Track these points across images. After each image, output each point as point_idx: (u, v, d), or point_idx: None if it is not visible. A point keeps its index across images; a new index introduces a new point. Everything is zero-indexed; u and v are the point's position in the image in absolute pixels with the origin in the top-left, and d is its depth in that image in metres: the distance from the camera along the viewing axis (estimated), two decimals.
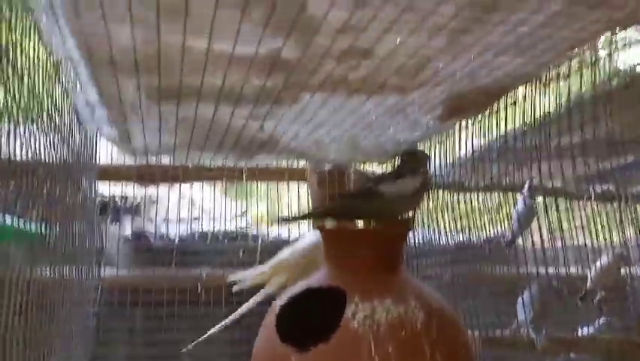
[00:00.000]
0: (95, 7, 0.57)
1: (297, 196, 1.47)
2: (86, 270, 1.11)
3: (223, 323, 1.09)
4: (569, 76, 0.87)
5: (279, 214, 1.48)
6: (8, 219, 0.61)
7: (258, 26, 0.62)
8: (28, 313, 0.63)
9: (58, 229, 0.82)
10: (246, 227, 1.47)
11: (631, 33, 0.77)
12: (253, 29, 0.63)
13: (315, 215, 1.14)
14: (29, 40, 0.65)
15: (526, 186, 1.13)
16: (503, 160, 1.08)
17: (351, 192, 0.98)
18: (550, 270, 1.07)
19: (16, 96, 0.60)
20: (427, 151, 1.28)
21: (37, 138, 0.67)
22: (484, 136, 1.11)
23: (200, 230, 1.41)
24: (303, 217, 1.04)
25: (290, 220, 1.34)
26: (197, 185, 1.45)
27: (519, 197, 1.18)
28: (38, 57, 0.68)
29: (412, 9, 0.60)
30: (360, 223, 0.89)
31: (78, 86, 0.82)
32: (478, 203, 1.14)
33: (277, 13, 0.59)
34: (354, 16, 0.61)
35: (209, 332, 1.09)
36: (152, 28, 0.61)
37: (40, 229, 0.72)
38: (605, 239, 1.16)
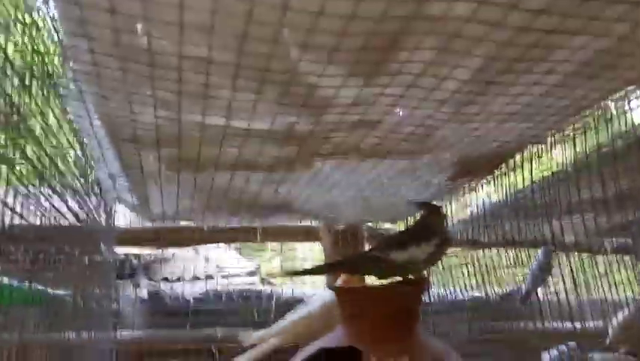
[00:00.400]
0: (120, 91, 0.62)
1: (311, 255, 1.48)
2: (102, 333, 1.12)
3: None
4: (574, 137, 0.89)
5: (292, 270, 1.49)
6: (24, 283, 0.63)
7: (273, 105, 0.66)
8: None
9: (75, 293, 0.84)
10: (262, 284, 1.48)
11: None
12: (268, 107, 0.66)
13: (325, 269, 1.16)
14: (58, 122, 0.69)
15: (541, 250, 1.15)
16: (515, 217, 1.09)
17: (359, 257, 0.99)
18: (568, 324, 1.05)
19: (46, 171, 0.63)
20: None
21: (58, 204, 0.70)
22: (496, 194, 1.13)
23: (215, 290, 1.42)
24: (313, 271, 1.05)
25: (300, 274, 1.35)
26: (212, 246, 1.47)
27: (536, 254, 1.19)
28: (65, 134, 0.72)
29: (416, 85, 0.64)
30: (373, 282, 0.90)
31: (101, 159, 0.86)
32: (492, 261, 1.14)
33: (290, 93, 0.63)
34: (363, 92, 0.65)
35: None
36: (173, 109, 0.65)
37: (57, 293, 0.74)
38: (625, 292, 1.15)
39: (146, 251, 1.37)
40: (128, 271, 1.38)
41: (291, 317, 1.12)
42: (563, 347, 1.07)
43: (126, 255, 1.40)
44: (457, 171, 1.01)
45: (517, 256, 1.19)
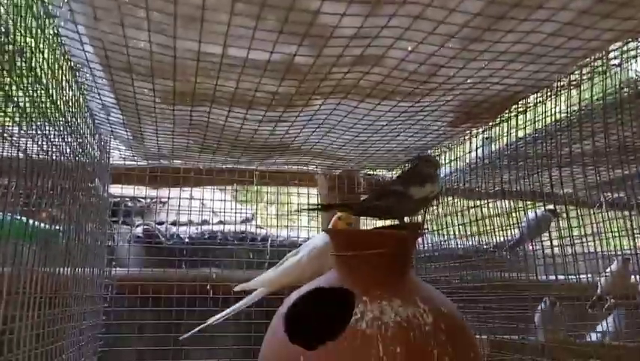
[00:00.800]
0: (113, 14, 0.59)
1: (307, 200, 1.47)
2: (98, 268, 1.12)
3: (220, 315, 1.11)
4: (580, 84, 0.87)
5: (288, 217, 1.48)
6: (21, 217, 0.63)
7: (272, 33, 0.63)
8: (42, 308, 0.65)
9: (71, 228, 0.83)
10: (256, 228, 1.48)
11: None
12: (267, 35, 0.64)
13: (335, 207, 1.16)
14: (47, 46, 0.66)
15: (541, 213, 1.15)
16: (514, 167, 1.08)
17: (380, 192, 0.99)
18: (561, 277, 1.06)
19: (34, 98, 0.61)
20: (437, 157, 1.29)
21: (52, 138, 0.68)
22: (495, 143, 1.11)
23: (211, 230, 1.43)
24: (324, 208, 1.06)
25: (311, 209, 1.37)
26: (208, 188, 1.46)
27: (534, 211, 1.19)
28: (56, 61, 0.70)
29: (423, 18, 0.61)
30: (371, 225, 0.90)
31: (94, 89, 0.84)
32: (488, 209, 1.14)
33: (291, 20, 0.60)
34: (366, 23, 0.62)
35: (206, 323, 1.10)
36: (168, 35, 0.63)
37: (53, 228, 0.74)
38: (616, 246, 1.15)
39: (140, 191, 1.36)
40: (122, 213, 1.37)
41: (283, 265, 1.13)
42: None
43: (121, 197, 1.39)
44: (459, 116, 1.00)
45: (513, 207, 1.19)
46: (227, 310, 1.10)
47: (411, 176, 0.98)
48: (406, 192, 0.91)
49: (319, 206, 1.09)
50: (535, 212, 1.25)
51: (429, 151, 1.26)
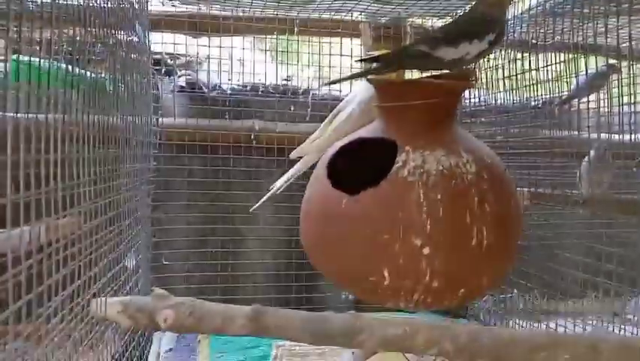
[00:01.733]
0: None
1: (350, 54, 1.42)
2: (146, 115, 1.15)
3: (281, 181, 1.10)
4: None
5: (330, 76, 1.44)
6: (69, 67, 0.63)
7: None
8: (96, 146, 0.68)
9: (116, 76, 0.84)
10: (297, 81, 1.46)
11: None
12: None
13: (359, 75, 1.09)
14: None
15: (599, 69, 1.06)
16: (571, 14, 0.99)
17: (403, 51, 0.91)
18: (604, 135, 1.02)
19: None
20: None
21: None
22: None
23: (253, 83, 1.42)
24: (350, 77, 0.99)
25: (339, 81, 1.31)
26: (248, 44, 1.42)
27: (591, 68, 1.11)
28: None
29: None
30: (415, 75, 0.86)
31: None
32: (538, 62, 1.07)
33: None
34: None
35: (271, 191, 1.10)
36: None
37: (97, 77, 0.74)
38: None
39: (180, 40, 1.34)
40: (164, 69, 1.37)
41: (334, 123, 1.10)
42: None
43: (161, 54, 1.37)
44: None
45: (569, 62, 1.11)
46: (288, 175, 1.09)
47: (447, 31, 0.89)
48: (431, 53, 0.81)
49: (344, 77, 1.01)
50: (595, 67, 1.16)
51: None
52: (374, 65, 0.89)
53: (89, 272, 0.64)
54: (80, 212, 0.61)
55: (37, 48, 0.55)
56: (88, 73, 0.70)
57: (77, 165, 0.60)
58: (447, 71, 0.89)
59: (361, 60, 1.28)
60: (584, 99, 1.17)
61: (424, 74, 0.91)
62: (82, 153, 0.62)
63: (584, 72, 1.16)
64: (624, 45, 0.98)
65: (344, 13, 1.32)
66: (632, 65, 1.11)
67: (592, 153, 1.01)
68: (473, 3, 0.90)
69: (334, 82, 1.32)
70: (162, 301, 0.56)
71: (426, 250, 0.74)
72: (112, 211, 0.77)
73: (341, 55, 1.39)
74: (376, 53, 1.10)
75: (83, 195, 0.61)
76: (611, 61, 1.10)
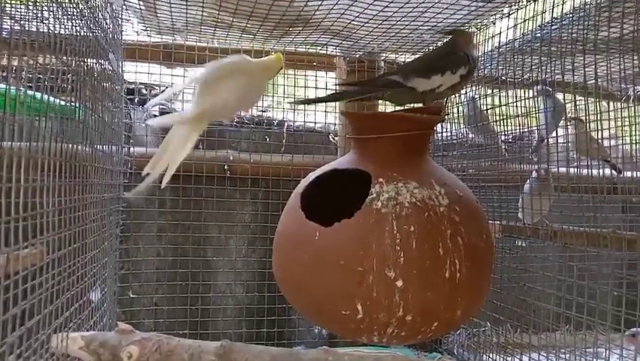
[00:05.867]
0: None
1: (325, 87, 1.43)
2: (116, 145, 1.13)
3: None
4: None
5: (305, 99, 1.44)
6: (38, 94, 0.62)
7: None
8: (62, 175, 0.66)
9: (87, 104, 0.82)
10: (272, 113, 1.46)
11: None
12: None
13: (333, 98, 1.09)
14: None
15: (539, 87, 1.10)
16: (538, 53, 1.02)
17: (377, 82, 0.93)
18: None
19: None
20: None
21: (63, 10, 0.65)
22: (524, 27, 1.04)
23: None
24: (327, 99, 1.00)
25: (314, 102, 1.31)
26: None
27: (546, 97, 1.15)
28: None
29: None
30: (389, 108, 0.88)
31: None
32: (507, 98, 1.10)
33: None
34: None
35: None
36: None
37: (70, 104, 0.73)
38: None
39: (155, 70, 1.33)
40: (137, 98, 1.36)
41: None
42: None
43: (134, 84, 1.37)
44: None
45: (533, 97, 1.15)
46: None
47: (419, 63, 0.92)
48: (405, 83, 0.84)
49: (316, 99, 1.00)
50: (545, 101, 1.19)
51: None
52: (350, 89, 0.90)
53: (51, 306, 0.61)
54: (44, 242, 0.59)
55: (4, 74, 0.54)
56: (57, 100, 0.69)
57: (42, 194, 0.58)
58: (419, 105, 0.91)
59: (338, 85, 1.29)
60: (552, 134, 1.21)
61: (397, 108, 0.93)
62: (47, 182, 0.60)
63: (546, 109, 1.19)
64: (591, 82, 1.01)
65: (319, 48, 1.34)
66: (598, 101, 1.15)
67: (533, 175, 1.03)
68: (445, 40, 0.93)
69: (304, 102, 1.33)
70: (127, 336, 0.53)
71: (399, 283, 0.73)
72: (77, 242, 0.74)
73: (316, 88, 1.40)
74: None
75: (47, 225, 0.59)
76: (579, 98, 1.14)
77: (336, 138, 1.45)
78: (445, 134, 1.37)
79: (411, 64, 0.97)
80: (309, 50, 1.37)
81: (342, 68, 1.42)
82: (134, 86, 1.34)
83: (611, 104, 1.33)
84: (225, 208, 1.35)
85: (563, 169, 1.07)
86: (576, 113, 1.29)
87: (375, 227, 0.75)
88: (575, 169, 0.94)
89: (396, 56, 1.38)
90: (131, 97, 1.34)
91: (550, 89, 1.15)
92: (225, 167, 1.34)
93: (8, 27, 0.51)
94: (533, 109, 1.08)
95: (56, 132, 0.65)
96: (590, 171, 0.92)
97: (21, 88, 0.56)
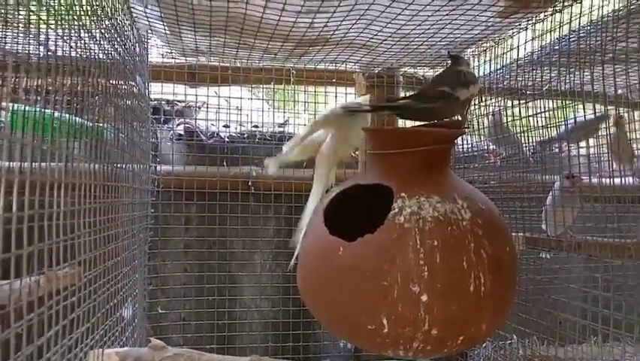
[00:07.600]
0: None
1: (345, 101, 1.45)
2: (144, 164, 1.17)
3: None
4: None
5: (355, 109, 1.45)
6: (65, 115, 0.65)
7: None
8: (96, 194, 0.69)
9: (116, 125, 0.86)
10: (293, 129, 1.49)
11: None
12: None
13: (381, 108, 1.14)
14: None
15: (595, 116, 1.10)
16: (557, 65, 1.03)
17: (426, 94, 0.96)
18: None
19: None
20: (481, 54, 1.24)
21: (91, 35, 0.68)
22: (542, 39, 1.05)
23: (249, 130, 1.44)
24: (372, 109, 1.06)
25: (357, 111, 1.32)
26: (245, 92, 1.45)
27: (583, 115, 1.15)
28: None
29: None
30: (412, 123, 0.89)
31: None
32: (528, 109, 1.10)
33: None
34: None
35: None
36: None
37: (100, 125, 0.76)
38: None
39: (179, 90, 1.37)
40: (161, 116, 1.40)
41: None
42: None
43: (159, 101, 1.41)
44: (509, 4, 0.93)
45: (557, 106, 1.15)
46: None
47: (454, 77, 0.94)
48: (454, 93, 0.89)
49: (369, 107, 1.05)
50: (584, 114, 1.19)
51: (472, 47, 1.21)
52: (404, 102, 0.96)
53: (88, 323, 0.64)
54: (80, 262, 0.61)
55: (37, 98, 0.57)
56: (89, 122, 0.72)
57: (78, 215, 0.60)
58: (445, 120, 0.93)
59: (388, 100, 1.33)
60: (574, 145, 1.20)
61: (417, 123, 0.94)
62: (83, 204, 0.63)
63: (574, 118, 1.19)
64: (611, 92, 1.01)
65: (338, 64, 1.37)
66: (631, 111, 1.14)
67: (556, 185, 1.03)
68: (452, 58, 0.95)
69: (354, 110, 1.33)
70: (159, 351, 0.55)
71: (424, 297, 0.74)
72: (110, 261, 0.77)
73: (336, 103, 1.42)
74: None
75: (82, 246, 0.62)
76: (598, 107, 1.14)
77: (356, 153, 1.47)
78: (465, 146, 1.38)
79: (448, 75, 0.98)
80: (329, 67, 1.40)
81: (361, 83, 1.43)
82: (155, 102, 1.38)
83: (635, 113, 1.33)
84: (249, 224, 1.38)
85: (585, 179, 1.07)
86: (607, 123, 1.29)
87: (398, 242, 0.76)
88: (598, 178, 0.94)
89: (415, 70, 1.40)
90: (157, 116, 1.38)
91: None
92: (249, 183, 1.36)
93: (45, 51, 0.54)
94: (553, 119, 1.08)
95: (89, 154, 0.68)
96: (612, 180, 0.92)
97: (53, 111, 0.58)
